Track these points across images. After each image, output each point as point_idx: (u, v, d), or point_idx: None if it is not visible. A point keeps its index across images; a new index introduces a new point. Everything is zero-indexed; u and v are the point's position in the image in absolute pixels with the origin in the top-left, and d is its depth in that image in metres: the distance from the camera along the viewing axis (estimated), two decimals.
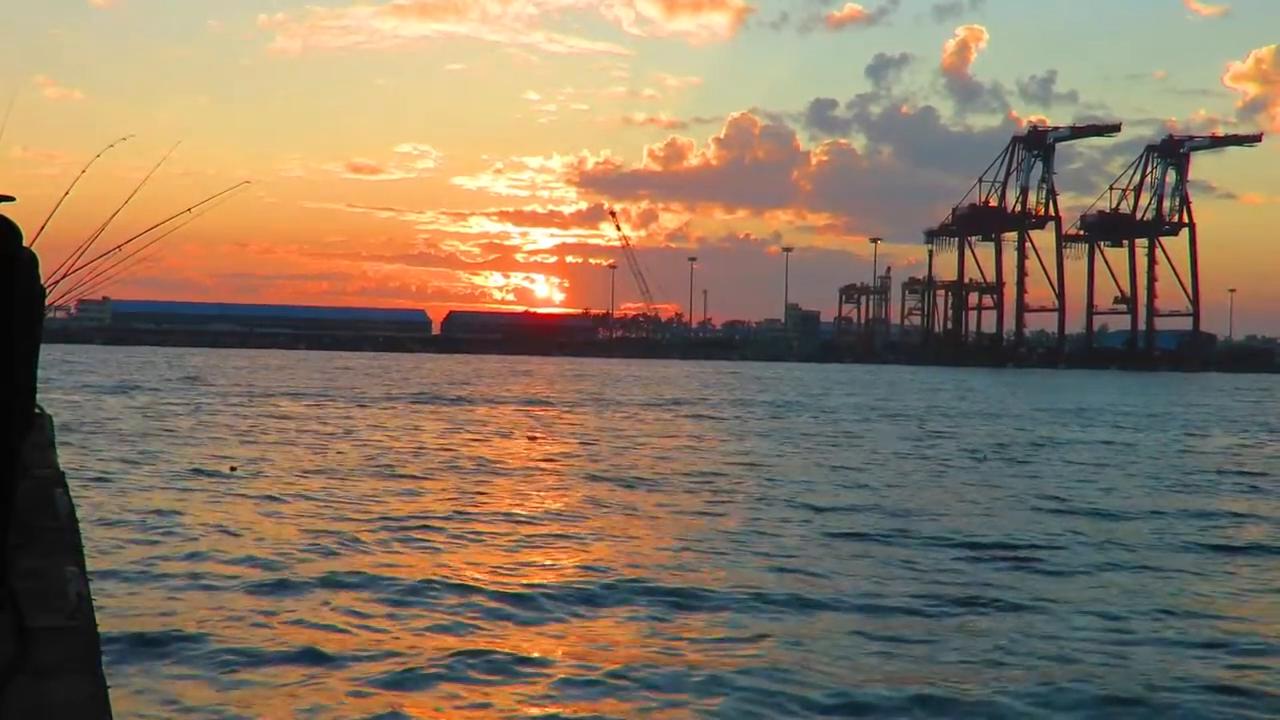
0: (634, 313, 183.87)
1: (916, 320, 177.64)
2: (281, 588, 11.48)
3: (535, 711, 8.07)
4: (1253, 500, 21.53)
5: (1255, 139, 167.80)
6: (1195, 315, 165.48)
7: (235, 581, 11.67)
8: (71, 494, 5.82)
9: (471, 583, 12.14)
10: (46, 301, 5.36)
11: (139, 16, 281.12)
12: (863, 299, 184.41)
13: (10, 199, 4.86)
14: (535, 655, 9.41)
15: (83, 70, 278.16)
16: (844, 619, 10.85)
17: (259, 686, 8.45)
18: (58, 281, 6.14)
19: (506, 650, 9.45)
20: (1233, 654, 10.00)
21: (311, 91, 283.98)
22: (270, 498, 18.24)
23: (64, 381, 51.01)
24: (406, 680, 8.57)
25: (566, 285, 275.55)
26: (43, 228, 5.56)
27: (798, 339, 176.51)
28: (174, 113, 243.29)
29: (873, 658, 9.55)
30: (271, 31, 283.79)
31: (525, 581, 12.17)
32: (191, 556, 13.09)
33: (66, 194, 6.10)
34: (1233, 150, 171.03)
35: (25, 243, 5.04)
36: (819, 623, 10.72)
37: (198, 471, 21.30)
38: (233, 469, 22.52)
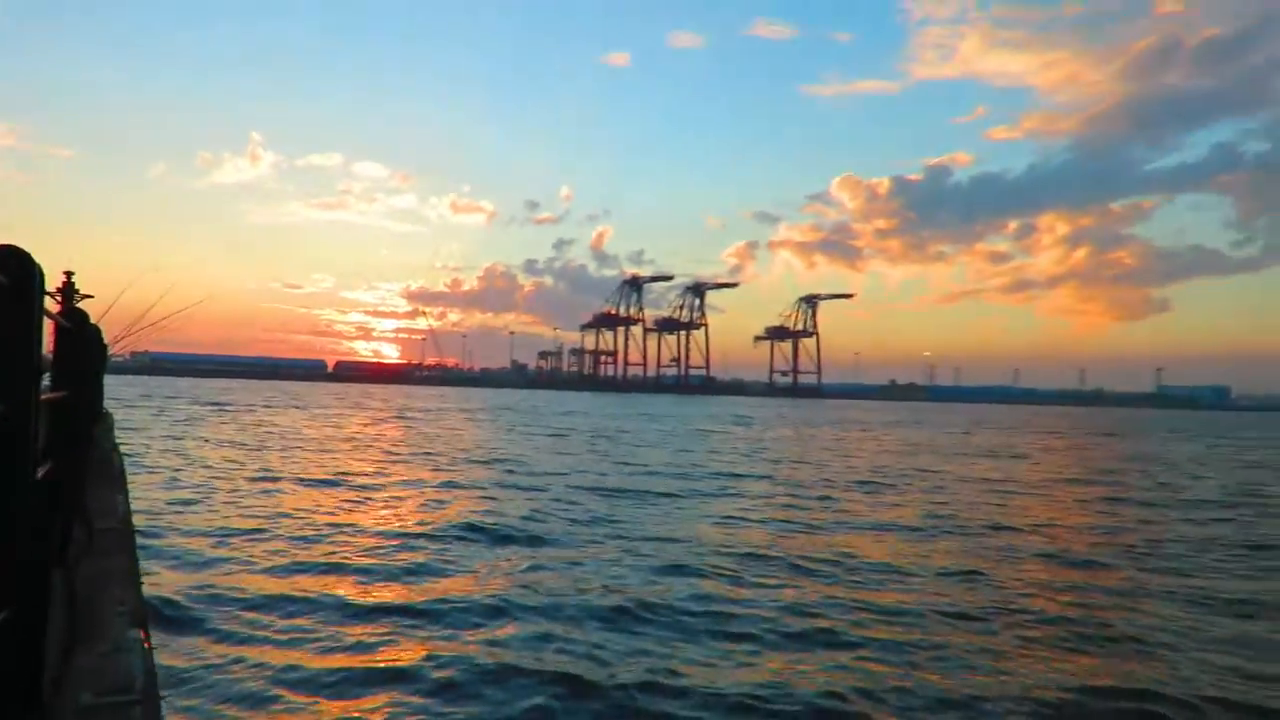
0: (434, 363, 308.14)
1: (575, 369, 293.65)
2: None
3: None
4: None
5: (734, 285, 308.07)
6: (707, 367, 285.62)
7: None
8: None
9: None
10: (111, 352, 8.38)
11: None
12: (549, 357, 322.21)
13: (89, 296, 6.36)
14: None
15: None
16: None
17: None
18: (117, 341, 8.95)
19: None
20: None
21: (265, 247, 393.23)
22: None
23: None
24: None
25: (399, 348, 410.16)
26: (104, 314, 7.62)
27: (516, 376, 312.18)
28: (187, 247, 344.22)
29: None
30: (243, 212, 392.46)
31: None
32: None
33: (117, 300, 8.04)
34: (725, 290, 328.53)
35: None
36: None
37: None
38: (206, 441, 30.23)
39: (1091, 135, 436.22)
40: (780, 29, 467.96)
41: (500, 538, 16.89)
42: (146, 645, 2.89)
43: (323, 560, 14.08)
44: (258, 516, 18.25)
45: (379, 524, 17.98)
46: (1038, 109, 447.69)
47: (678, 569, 14.62)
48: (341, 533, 16.55)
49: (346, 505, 20.26)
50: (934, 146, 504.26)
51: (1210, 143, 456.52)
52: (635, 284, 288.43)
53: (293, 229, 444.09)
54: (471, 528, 17.79)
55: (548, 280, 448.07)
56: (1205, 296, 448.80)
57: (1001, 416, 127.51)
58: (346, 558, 14.44)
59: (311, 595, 11.77)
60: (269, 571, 13.28)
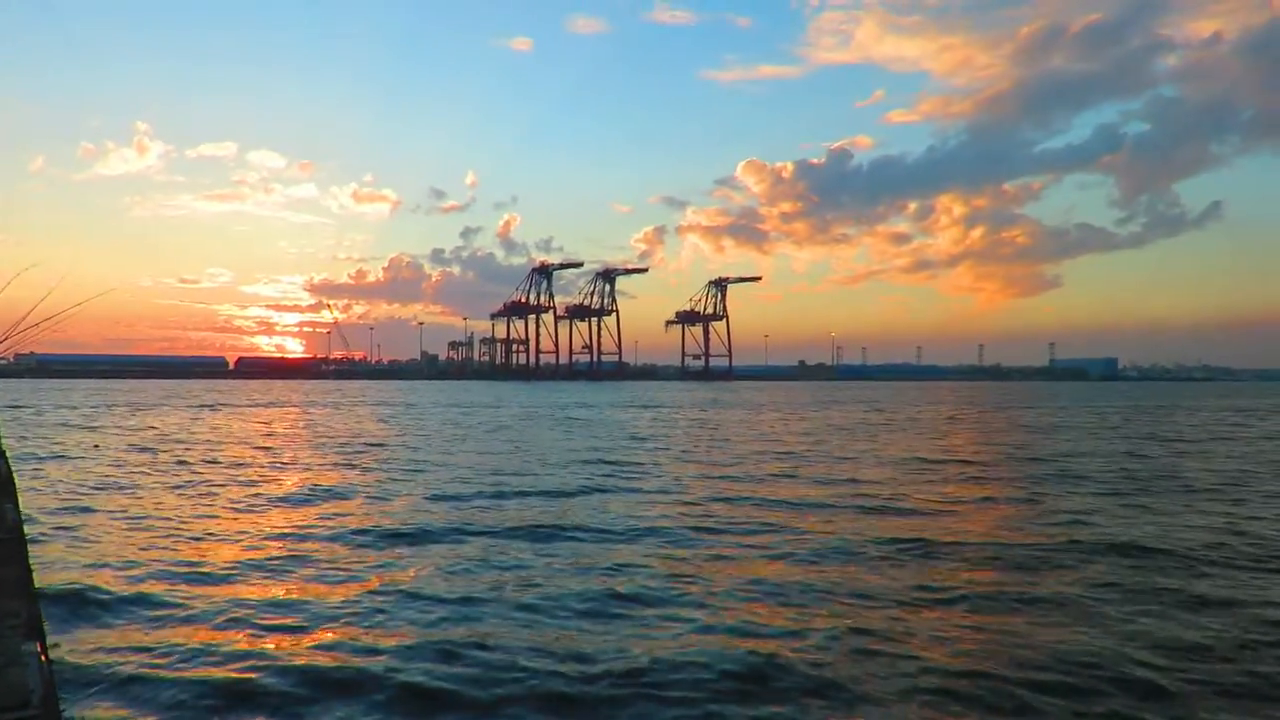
0: (340, 356, 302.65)
1: (486, 358, 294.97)
2: None
3: None
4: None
5: (644, 270, 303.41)
6: (620, 354, 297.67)
7: None
8: None
9: None
10: None
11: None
12: (460, 348, 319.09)
13: None
14: None
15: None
16: None
17: None
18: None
19: None
20: None
21: (156, 241, 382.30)
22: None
23: None
24: None
25: (304, 343, 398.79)
26: None
27: (426, 368, 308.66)
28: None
29: None
30: (130, 206, 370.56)
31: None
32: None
33: None
34: (635, 276, 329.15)
35: None
36: None
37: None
38: (96, 446, 27.83)
39: (985, 118, 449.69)
40: (680, 14, 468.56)
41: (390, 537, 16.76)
42: (44, 659, 2.84)
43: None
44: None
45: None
46: (934, 93, 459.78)
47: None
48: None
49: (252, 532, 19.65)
50: (835, 130, 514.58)
51: (1094, 124, 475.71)
52: (545, 271, 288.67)
53: (186, 222, 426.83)
54: (363, 532, 17.53)
55: (455, 269, 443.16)
56: (1093, 273, 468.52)
57: (907, 396, 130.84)
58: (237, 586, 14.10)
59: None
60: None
